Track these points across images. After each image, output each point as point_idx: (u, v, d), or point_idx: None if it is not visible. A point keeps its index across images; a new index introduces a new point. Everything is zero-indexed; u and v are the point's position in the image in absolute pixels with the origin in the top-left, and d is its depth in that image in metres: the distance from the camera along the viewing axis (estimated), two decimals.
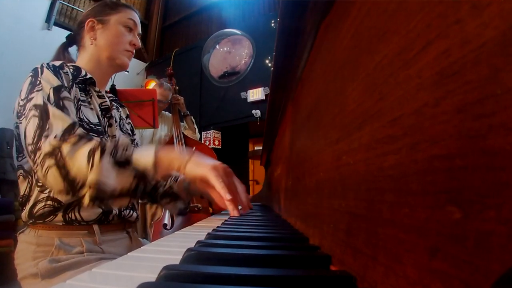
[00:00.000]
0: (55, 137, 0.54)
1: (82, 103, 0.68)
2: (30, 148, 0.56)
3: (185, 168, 0.58)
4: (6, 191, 2.38)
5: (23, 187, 0.66)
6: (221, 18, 3.78)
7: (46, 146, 0.54)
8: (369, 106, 0.24)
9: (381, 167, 0.21)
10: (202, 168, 0.58)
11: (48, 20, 3.26)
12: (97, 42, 0.76)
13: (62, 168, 0.53)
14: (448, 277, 0.14)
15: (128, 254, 0.34)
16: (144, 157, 0.57)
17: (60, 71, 0.66)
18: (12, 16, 2.90)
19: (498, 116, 0.12)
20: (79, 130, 0.58)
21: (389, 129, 0.20)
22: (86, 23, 0.76)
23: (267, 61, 2.99)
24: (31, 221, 0.63)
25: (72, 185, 0.54)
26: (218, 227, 0.52)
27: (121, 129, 0.81)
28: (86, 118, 0.67)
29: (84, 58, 0.77)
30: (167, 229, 1.73)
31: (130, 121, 0.90)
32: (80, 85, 0.70)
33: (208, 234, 0.41)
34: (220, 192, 0.56)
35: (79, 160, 0.53)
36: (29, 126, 0.57)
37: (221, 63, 3.46)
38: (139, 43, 0.81)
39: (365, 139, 0.24)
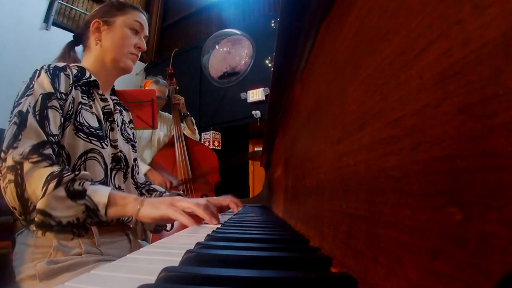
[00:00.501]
0: (21, 153, 0.54)
1: (83, 106, 0.68)
2: (2, 155, 0.56)
3: (139, 214, 0.59)
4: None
5: None
6: (221, 18, 3.78)
7: (9, 159, 0.54)
8: (370, 107, 0.23)
9: (382, 168, 0.21)
10: (159, 208, 0.59)
11: (46, 20, 3.26)
12: (102, 43, 0.75)
13: (19, 186, 0.53)
14: (450, 279, 0.14)
15: (127, 255, 0.34)
16: (98, 194, 0.57)
17: (61, 73, 0.65)
18: (11, 16, 2.90)
19: (500, 117, 0.11)
20: (48, 150, 0.57)
21: (390, 130, 0.20)
22: (92, 24, 0.75)
23: (267, 61, 2.99)
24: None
25: (24, 206, 0.55)
26: (217, 228, 0.52)
27: (122, 134, 0.81)
28: (86, 122, 0.67)
29: (89, 59, 0.76)
30: (166, 231, 1.72)
31: (132, 125, 0.90)
32: (83, 88, 0.70)
33: (208, 235, 0.41)
34: (188, 224, 0.58)
35: (36, 182, 0.54)
36: (8, 133, 0.57)
37: (221, 64, 3.46)
38: (144, 46, 0.80)
39: (366, 140, 0.24)
